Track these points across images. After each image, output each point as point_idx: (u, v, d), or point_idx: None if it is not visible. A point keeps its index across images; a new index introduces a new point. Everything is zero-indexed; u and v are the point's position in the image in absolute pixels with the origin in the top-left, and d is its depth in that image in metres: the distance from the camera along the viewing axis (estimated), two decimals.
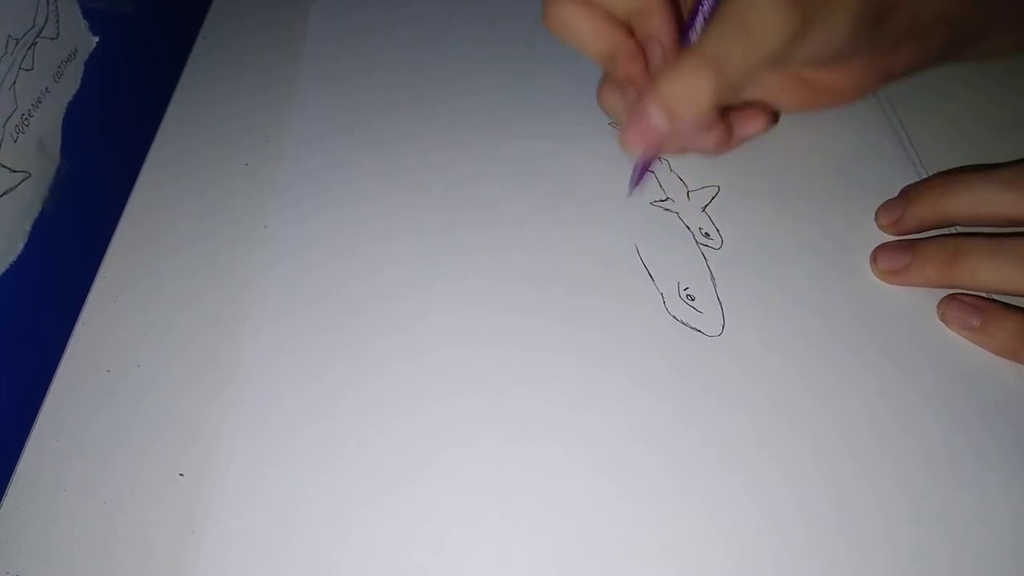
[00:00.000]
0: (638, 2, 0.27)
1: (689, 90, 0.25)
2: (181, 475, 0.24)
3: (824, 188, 0.31)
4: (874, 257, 0.28)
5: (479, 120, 0.34)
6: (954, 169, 0.30)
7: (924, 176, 0.31)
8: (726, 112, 0.30)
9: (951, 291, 0.27)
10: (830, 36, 0.27)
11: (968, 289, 0.27)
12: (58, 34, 0.32)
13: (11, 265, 0.30)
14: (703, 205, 0.30)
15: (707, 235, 0.29)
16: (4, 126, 0.29)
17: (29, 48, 0.30)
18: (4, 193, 0.29)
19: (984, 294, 0.27)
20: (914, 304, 0.27)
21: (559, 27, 0.29)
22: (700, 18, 0.27)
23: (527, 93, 0.33)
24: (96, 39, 0.36)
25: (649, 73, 0.28)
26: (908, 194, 0.29)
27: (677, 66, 0.26)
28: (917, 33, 0.29)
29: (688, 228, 0.30)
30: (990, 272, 0.26)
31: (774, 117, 0.30)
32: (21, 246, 0.31)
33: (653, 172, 0.31)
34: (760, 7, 0.25)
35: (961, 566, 0.22)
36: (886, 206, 0.29)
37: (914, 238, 0.28)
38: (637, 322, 0.27)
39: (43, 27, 0.31)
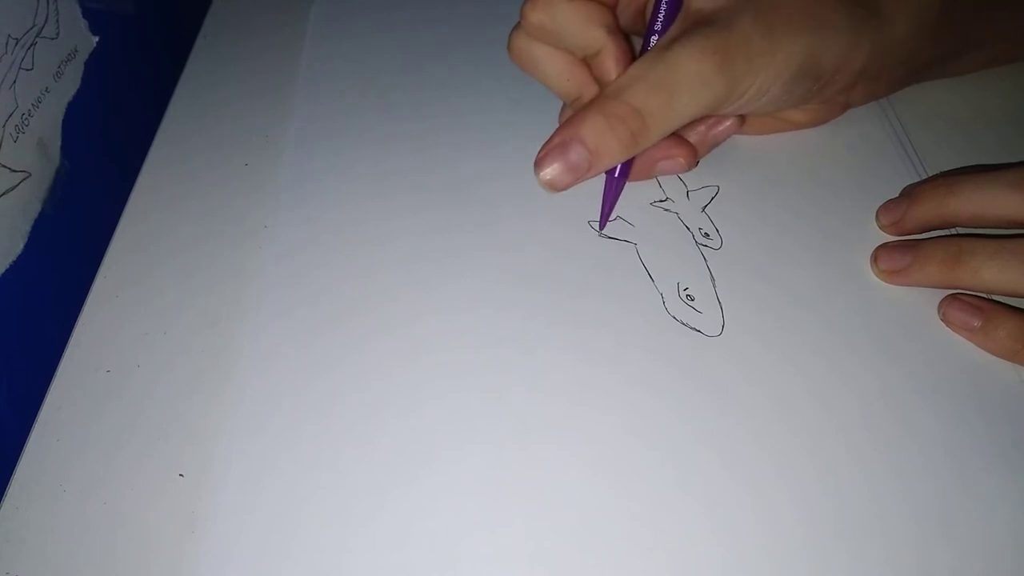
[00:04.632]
0: (592, 43, 0.28)
1: (611, 140, 0.25)
2: (181, 475, 0.24)
3: (824, 188, 0.31)
4: (875, 257, 0.28)
5: (479, 120, 0.34)
6: (956, 170, 0.30)
7: (924, 176, 0.31)
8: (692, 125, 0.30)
9: (951, 292, 0.27)
10: (760, 95, 0.27)
11: (970, 290, 0.27)
12: (58, 34, 0.32)
13: (11, 265, 0.30)
14: (703, 205, 0.30)
15: (707, 235, 0.29)
16: (4, 126, 0.29)
17: (29, 48, 0.30)
18: (4, 193, 0.29)
19: (984, 295, 0.27)
20: (914, 304, 0.27)
21: (527, 64, 0.30)
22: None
23: (527, 93, 0.33)
24: (96, 39, 0.36)
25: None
26: (910, 194, 0.29)
27: (603, 109, 0.25)
28: (868, 78, 0.29)
29: (688, 228, 0.30)
30: (993, 273, 0.26)
31: (741, 118, 0.30)
32: (21, 246, 0.31)
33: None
34: (685, 69, 0.25)
35: (960, 566, 0.22)
36: (887, 206, 0.29)
37: (915, 238, 0.28)
38: (637, 322, 0.27)
39: (43, 27, 0.31)
